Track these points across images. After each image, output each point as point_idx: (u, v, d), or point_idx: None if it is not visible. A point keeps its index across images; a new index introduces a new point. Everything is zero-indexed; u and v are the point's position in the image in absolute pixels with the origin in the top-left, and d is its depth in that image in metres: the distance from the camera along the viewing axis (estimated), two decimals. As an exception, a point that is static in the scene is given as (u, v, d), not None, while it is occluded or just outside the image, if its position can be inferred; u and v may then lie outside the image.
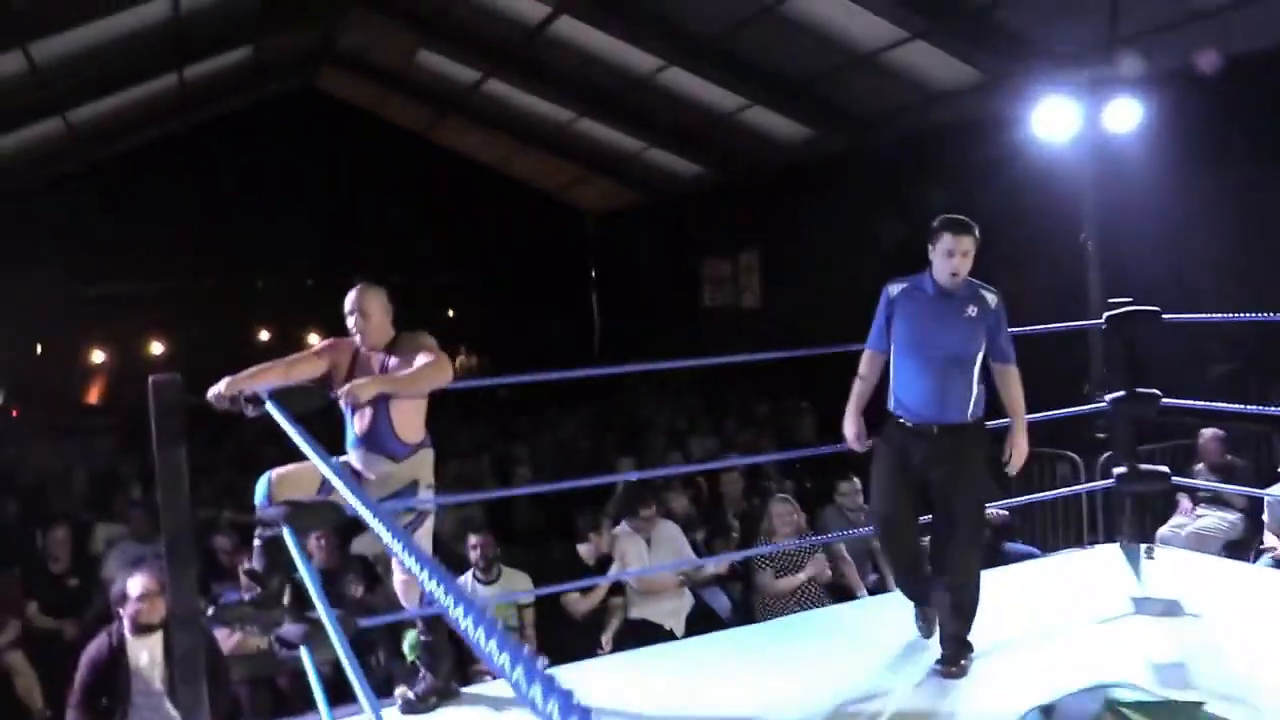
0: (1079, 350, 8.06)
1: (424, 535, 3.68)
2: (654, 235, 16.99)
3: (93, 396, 15.90)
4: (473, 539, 5.31)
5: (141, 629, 4.54)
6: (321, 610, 2.39)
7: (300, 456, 2.77)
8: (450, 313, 18.99)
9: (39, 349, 15.95)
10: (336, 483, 2.18)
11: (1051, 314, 6.08)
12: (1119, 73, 7.80)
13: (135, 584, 4.60)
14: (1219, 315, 4.65)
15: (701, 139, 13.92)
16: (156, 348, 16.24)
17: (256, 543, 3.72)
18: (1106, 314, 4.61)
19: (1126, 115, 7.54)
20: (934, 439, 3.53)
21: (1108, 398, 4.60)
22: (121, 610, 4.65)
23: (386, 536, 1.64)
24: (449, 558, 6.15)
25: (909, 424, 3.57)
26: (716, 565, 5.74)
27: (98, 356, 16.38)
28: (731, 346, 15.18)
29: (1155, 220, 8.48)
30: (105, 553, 6.73)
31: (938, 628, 3.69)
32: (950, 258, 3.53)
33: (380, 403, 3.48)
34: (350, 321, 3.56)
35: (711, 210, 15.37)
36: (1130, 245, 8.30)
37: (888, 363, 3.68)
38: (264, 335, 17.33)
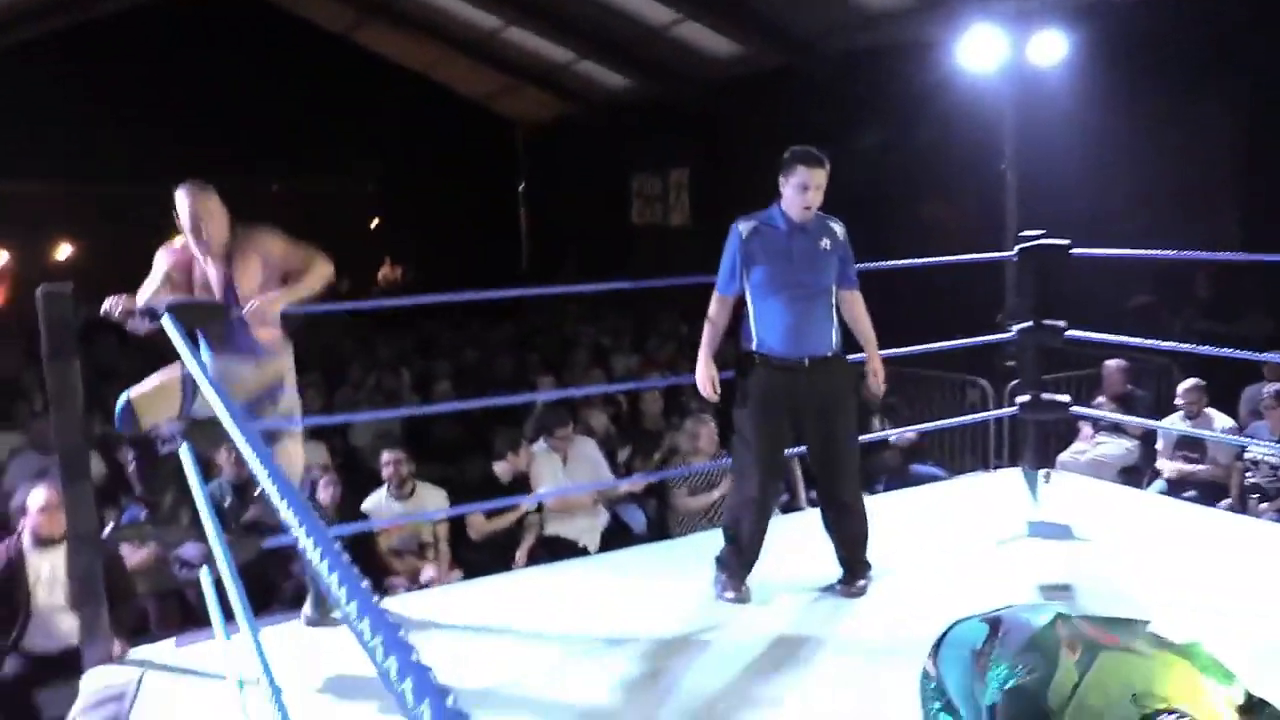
0: (998, 279, 8.24)
1: (294, 441, 3.55)
2: (584, 150, 16.75)
3: (-2, 299, 15.34)
4: (386, 455, 5.28)
5: (42, 541, 4.47)
6: (212, 533, 2.35)
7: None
8: (374, 222, 18.62)
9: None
10: (210, 394, 2.13)
11: (974, 242, 6.18)
12: (1046, 3, 7.83)
13: (36, 496, 4.51)
14: (1127, 251, 4.75)
15: (633, 52, 13.67)
16: (64, 251, 15.66)
17: (132, 464, 3.63)
18: (1017, 246, 4.68)
19: (1051, 46, 7.63)
20: (805, 373, 3.54)
21: (1014, 328, 4.70)
22: (21, 522, 4.57)
23: (252, 459, 1.60)
24: (366, 473, 6.14)
25: (776, 361, 3.55)
26: (631, 484, 5.80)
27: (0, 258, 15.75)
28: (660, 264, 15.18)
29: (1076, 152, 8.61)
30: (6, 463, 6.56)
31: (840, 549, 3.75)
32: (805, 191, 3.50)
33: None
34: (189, 228, 3.31)
35: (642, 126, 15.18)
36: (1050, 177, 8.44)
37: (738, 303, 3.65)
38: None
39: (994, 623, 1.92)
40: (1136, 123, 8.88)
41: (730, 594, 3.65)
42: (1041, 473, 4.85)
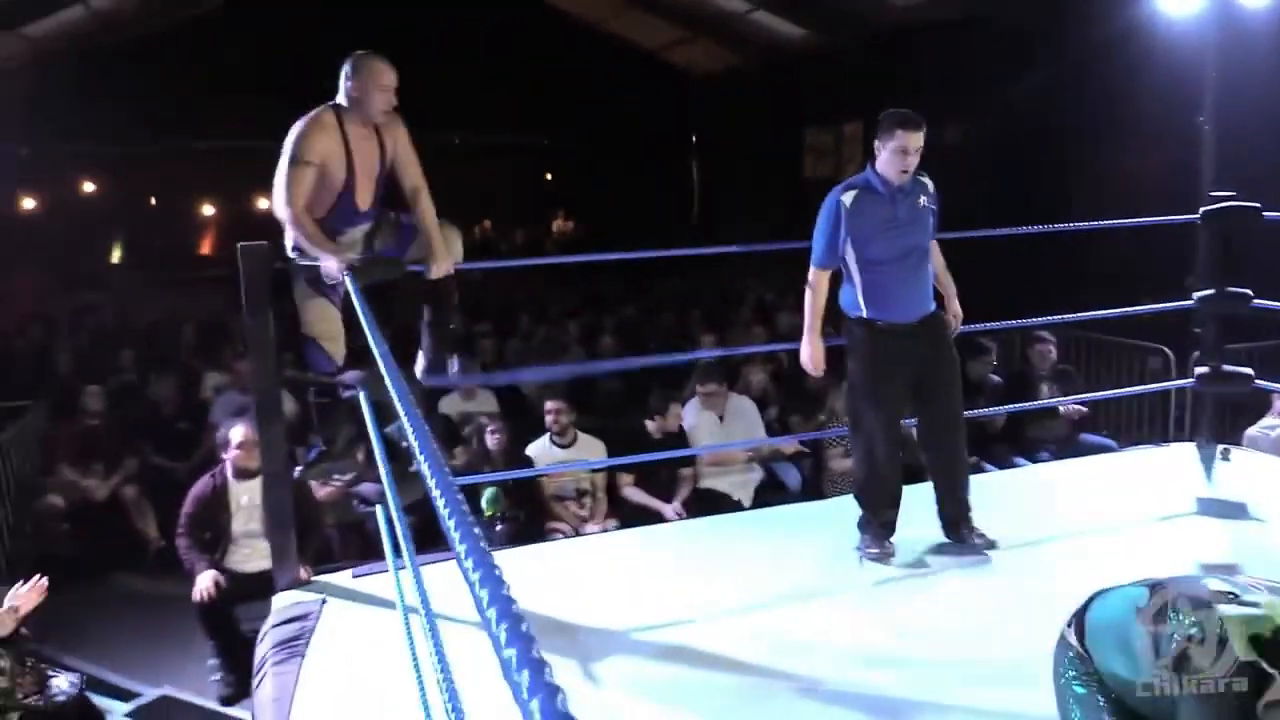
0: (1189, 241, 7.75)
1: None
2: (756, 102, 16.56)
3: (204, 249, 16.55)
4: (549, 404, 5.50)
5: (241, 473, 4.90)
6: (383, 473, 2.56)
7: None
8: (548, 175, 19.02)
9: (152, 202, 16.59)
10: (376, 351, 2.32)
11: (1166, 201, 5.85)
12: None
13: (236, 432, 4.95)
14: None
15: (808, 1, 13.41)
16: (265, 203, 16.71)
17: (314, 404, 3.92)
18: (1203, 209, 4.43)
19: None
20: (915, 334, 3.58)
21: (1195, 295, 4.47)
22: (224, 455, 5.02)
23: (400, 408, 1.77)
24: (532, 419, 6.39)
25: (890, 326, 3.55)
26: (784, 443, 5.85)
27: (208, 209, 16.97)
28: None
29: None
30: (212, 400, 7.17)
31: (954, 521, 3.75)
32: (905, 155, 3.47)
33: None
34: (383, 100, 3.41)
35: (817, 77, 14.88)
36: (1255, 133, 7.84)
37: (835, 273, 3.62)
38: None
39: (1154, 585, 1.94)
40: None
41: (874, 550, 3.68)
42: (1219, 448, 4.64)
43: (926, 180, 3.64)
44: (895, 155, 3.48)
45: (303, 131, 3.40)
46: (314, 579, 3.86)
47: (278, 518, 3.79)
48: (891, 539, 3.70)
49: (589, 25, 17.16)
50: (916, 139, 3.48)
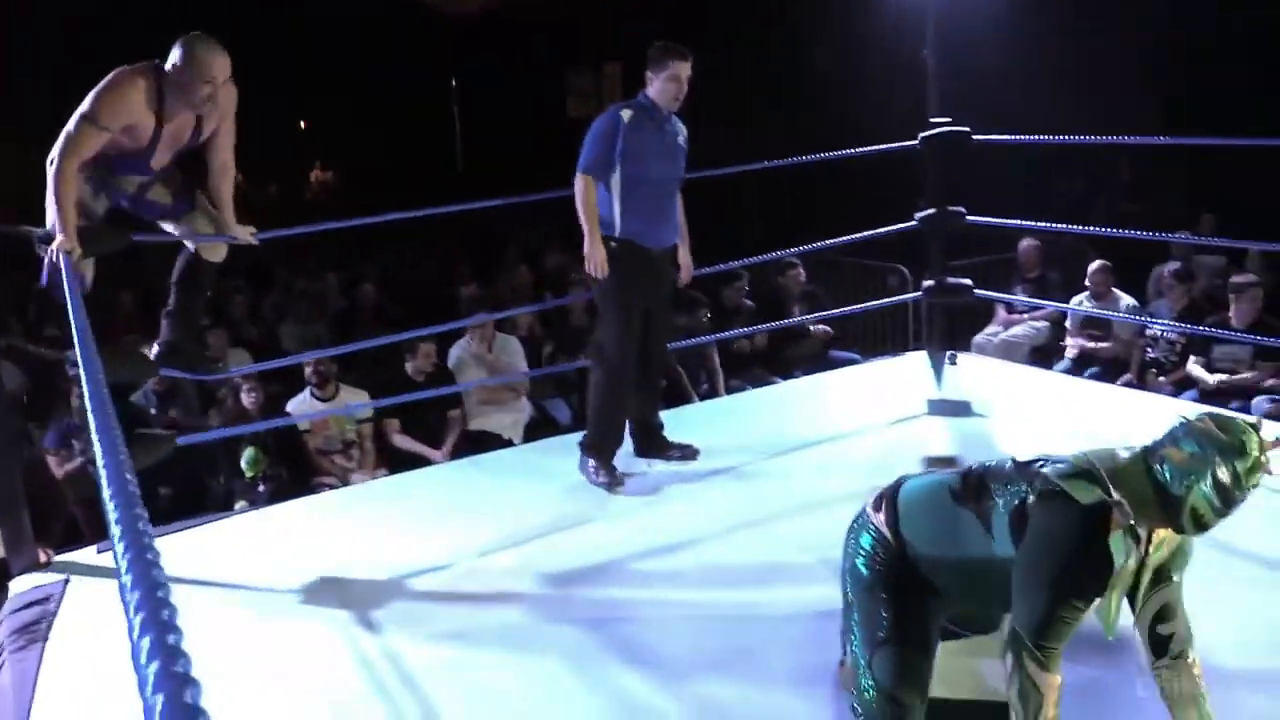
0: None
1: None
2: (516, 44, 16.39)
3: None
4: (307, 355, 5.33)
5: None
6: (94, 431, 2.42)
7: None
8: (302, 124, 18.16)
9: None
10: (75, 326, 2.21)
11: (901, 131, 6.23)
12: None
13: (-46, 412, 4.52)
14: (1025, 137, 4.83)
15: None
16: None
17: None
18: (920, 135, 4.76)
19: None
20: (660, 261, 3.80)
21: (917, 215, 4.82)
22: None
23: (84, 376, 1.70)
24: (294, 377, 6.17)
25: (641, 249, 3.70)
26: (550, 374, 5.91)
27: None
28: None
29: (1002, 39, 8.63)
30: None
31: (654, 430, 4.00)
32: (678, 83, 3.66)
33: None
34: (205, 92, 3.20)
35: (574, 18, 14.86)
36: (975, 65, 8.46)
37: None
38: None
39: (962, 473, 2.13)
40: (1059, 3, 8.92)
41: (605, 478, 3.79)
42: (948, 354, 5.05)
43: (680, 124, 3.82)
44: (669, 83, 3.64)
45: (110, 92, 3.16)
46: (56, 560, 3.61)
47: (7, 497, 3.50)
48: (616, 466, 3.82)
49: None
50: (687, 68, 3.66)
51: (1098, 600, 1.93)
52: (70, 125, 3.16)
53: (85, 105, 3.17)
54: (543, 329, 6.83)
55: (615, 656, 2.72)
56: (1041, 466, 2.02)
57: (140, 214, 3.50)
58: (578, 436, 4.34)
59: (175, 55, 3.20)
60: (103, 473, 1.23)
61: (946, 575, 2.10)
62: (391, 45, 17.00)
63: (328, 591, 3.20)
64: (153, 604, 0.90)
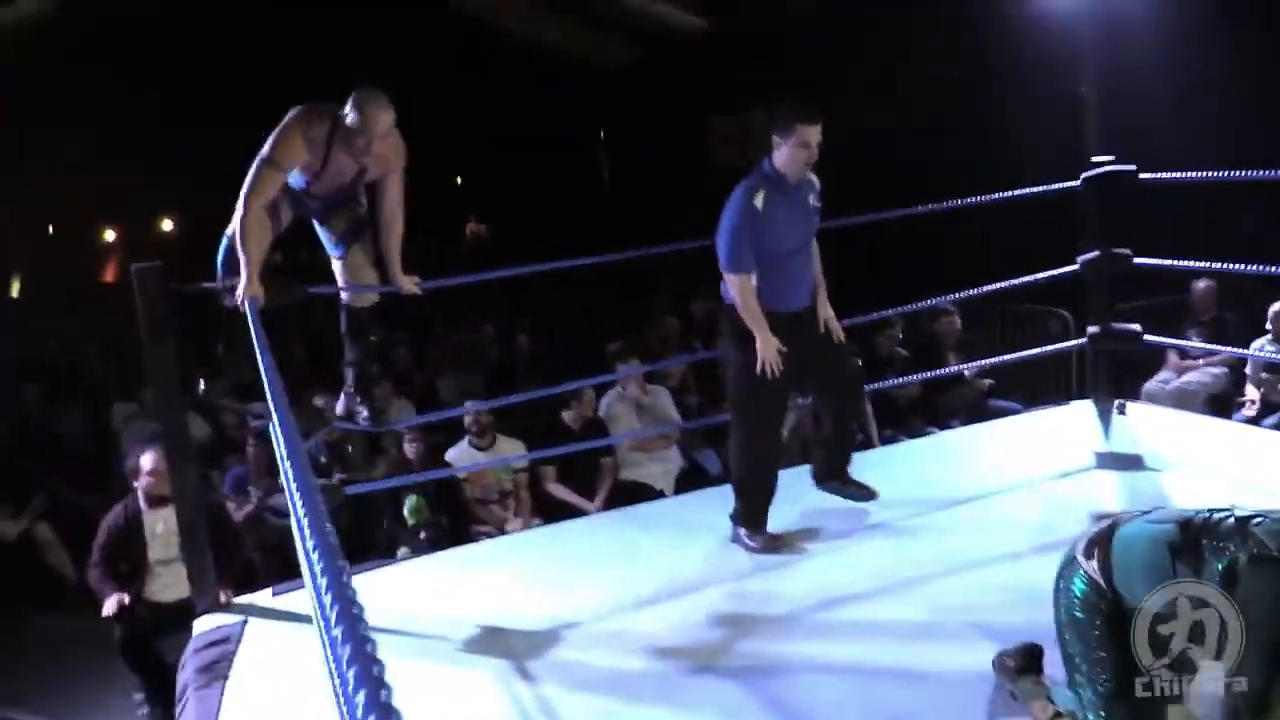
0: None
1: None
2: (662, 92, 16.68)
3: (108, 275, 16.13)
4: (468, 406, 5.50)
5: (155, 501, 4.80)
6: (288, 483, 2.55)
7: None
8: (458, 180, 18.88)
9: (50, 230, 16.11)
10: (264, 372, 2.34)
11: (1055, 170, 6.06)
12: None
13: (147, 459, 4.84)
14: (1196, 174, 4.60)
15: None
16: (167, 224, 16.38)
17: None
18: (1083, 175, 4.61)
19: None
20: (799, 321, 3.64)
21: (1080, 258, 4.64)
22: (136, 483, 4.92)
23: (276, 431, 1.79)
24: (453, 426, 6.38)
25: (775, 315, 3.56)
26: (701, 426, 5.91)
27: (109, 235, 16.55)
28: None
29: (1165, 75, 8.28)
30: (122, 429, 7.01)
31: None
32: (806, 149, 3.46)
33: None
34: (369, 140, 3.42)
35: (720, 66, 15.05)
36: (1136, 101, 8.14)
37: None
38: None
39: (1184, 521, 2.03)
40: (1227, 35, 8.49)
41: (756, 542, 3.70)
42: (1115, 403, 4.83)
43: (815, 180, 3.64)
44: (798, 149, 3.45)
45: (289, 134, 3.42)
46: (235, 602, 3.82)
47: (192, 541, 3.74)
48: (769, 528, 3.73)
49: (490, 24, 17.07)
50: (816, 133, 3.46)
51: None
52: (252, 169, 3.41)
53: (265, 149, 3.42)
54: (693, 378, 6.86)
55: (766, 713, 2.69)
56: (1259, 524, 1.91)
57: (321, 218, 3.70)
58: (727, 488, 4.34)
59: (350, 103, 3.42)
60: (302, 520, 1.31)
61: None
62: (545, 98, 17.55)
63: (485, 639, 3.28)
64: (357, 638, 0.97)
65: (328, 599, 1.05)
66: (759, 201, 3.48)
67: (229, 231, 3.54)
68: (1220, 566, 1.91)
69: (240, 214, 3.41)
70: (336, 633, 0.98)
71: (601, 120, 18.89)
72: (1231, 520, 1.96)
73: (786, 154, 3.47)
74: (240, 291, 3.40)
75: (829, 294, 3.81)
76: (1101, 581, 2.06)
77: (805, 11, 12.68)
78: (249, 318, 3.22)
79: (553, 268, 4.54)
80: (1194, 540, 1.98)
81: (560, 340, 8.11)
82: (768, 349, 3.50)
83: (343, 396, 3.93)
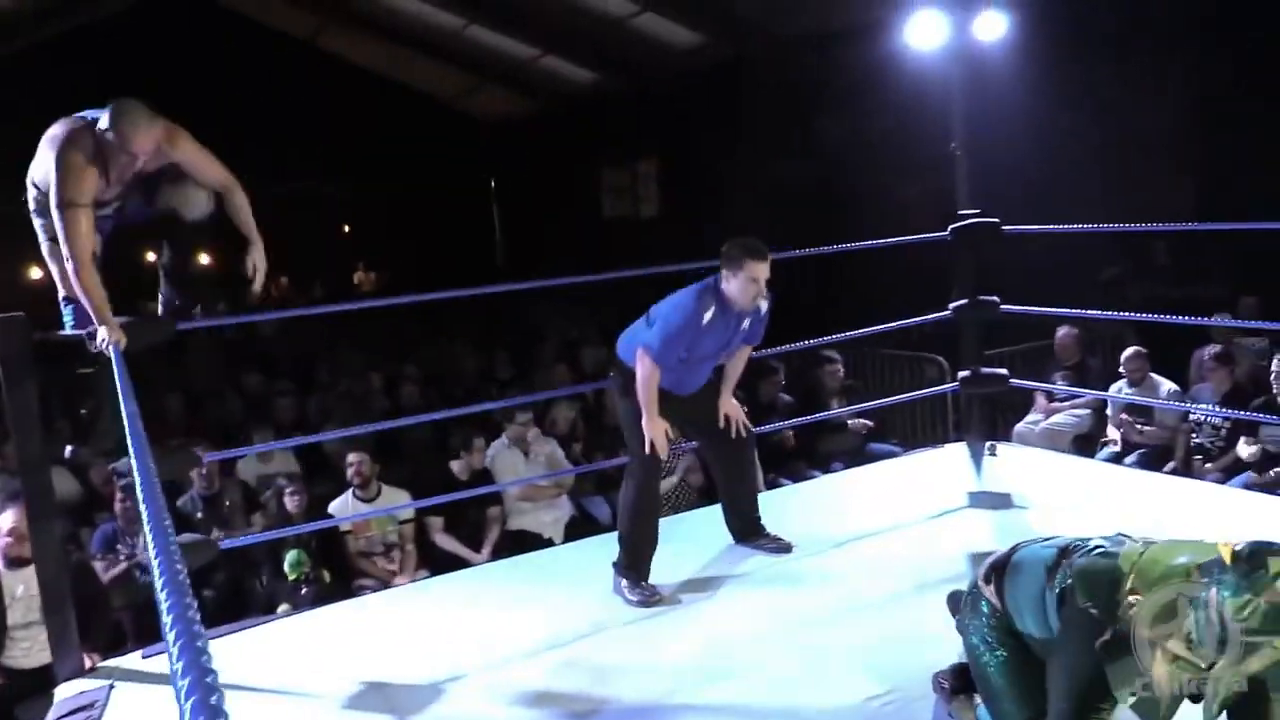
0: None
1: None
2: (552, 145, 16.84)
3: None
4: (351, 457, 5.42)
5: (14, 562, 4.57)
6: (150, 540, 2.47)
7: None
8: (346, 228, 18.66)
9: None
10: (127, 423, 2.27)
11: (928, 224, 6.33)
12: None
13: (6, 519, 4.62)
14: (1055, 226, 4.88)
15: (595, 46, 13.77)
16: (35, 273, 15.70)
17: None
18: (950, 226, 4.82)
19: (993, 25, 7.74)
20: (697, 396, 3.85)
21: (951, 305, 4.84)
22: (-7, 544, 4.67)
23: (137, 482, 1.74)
24: (336, 476, 6.26)
25: (676, 395, 3.73)
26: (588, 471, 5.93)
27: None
28: (632, 256, 15.31)
29: (1029, 128, 8.75)
30: (-19, 486, 6.64)
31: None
32: (755, 284, 3.58)
33: None
34: (143, 154, 3.24)
35: (608, 119, 15.29)
36: (1003, 155, 8.57)
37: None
38: (150, 255, 16.83)
39: (1064, 548, 2.13)
40: (1086, 94, 9.04)
41: (636, 595, 3.69)
42: (987, 445, 5.02)
43: (764, 303, 3.72)
44: (748, 284, 3.56)
45: (67, 170, 3.19)
46: (101, 665, 3.65)
47: (54, 604, 3.56)
48: (652, 578, 3.75)
49: (381, 75, 17.02)
50: (764, 268, 3.56)
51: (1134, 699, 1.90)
52: (58, 219, 3.17)
53: (58, 193, 3.17)
54: (582, 426, 6.88)
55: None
56: (1087, 550, 2.03)
57: (132, 221, 3.49)
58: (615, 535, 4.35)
59: (107, 116, 3.22)
60: (158, 577, 1.27)
61: (1044, 655, 2.10)
62: (433, 150, 17.52)
63: (371, 695, 3.20)
64: (209, 711, 0.94)
65: (179, 668, 1.03)
66: (706, 317, 3.58)
67: (64, 294, 3.35)
68: (1059, 583, 2.01)
69: (72, 268, 3.19)
70: (187, 705, 0.96)
71: (492, 171, 18.95)
72: (1092, 542, 2.08)
73: (736, 286, 3.58)
74: (101, 340, 3.23)
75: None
76: (998, 603, 2.17)
77: (691, 70, 13.00)
78: (114, 365, 3.09)
79: (436, 297, 4.51)
80: (1060, 562, 2.09)
81: (449, 390, 8.03)
82: (654, 430, 3.61)
83: (160, 306, 3.63)
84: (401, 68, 16.67)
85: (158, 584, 1.27)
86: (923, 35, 7.87)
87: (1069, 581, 2.00)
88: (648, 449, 3.64)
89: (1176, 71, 8.92)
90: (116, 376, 2.97)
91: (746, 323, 3.75)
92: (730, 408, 3.90)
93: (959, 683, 2.57)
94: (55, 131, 3.30)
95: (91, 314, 3.26)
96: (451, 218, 18.03)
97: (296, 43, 16.24)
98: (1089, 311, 5.01)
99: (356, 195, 18.08)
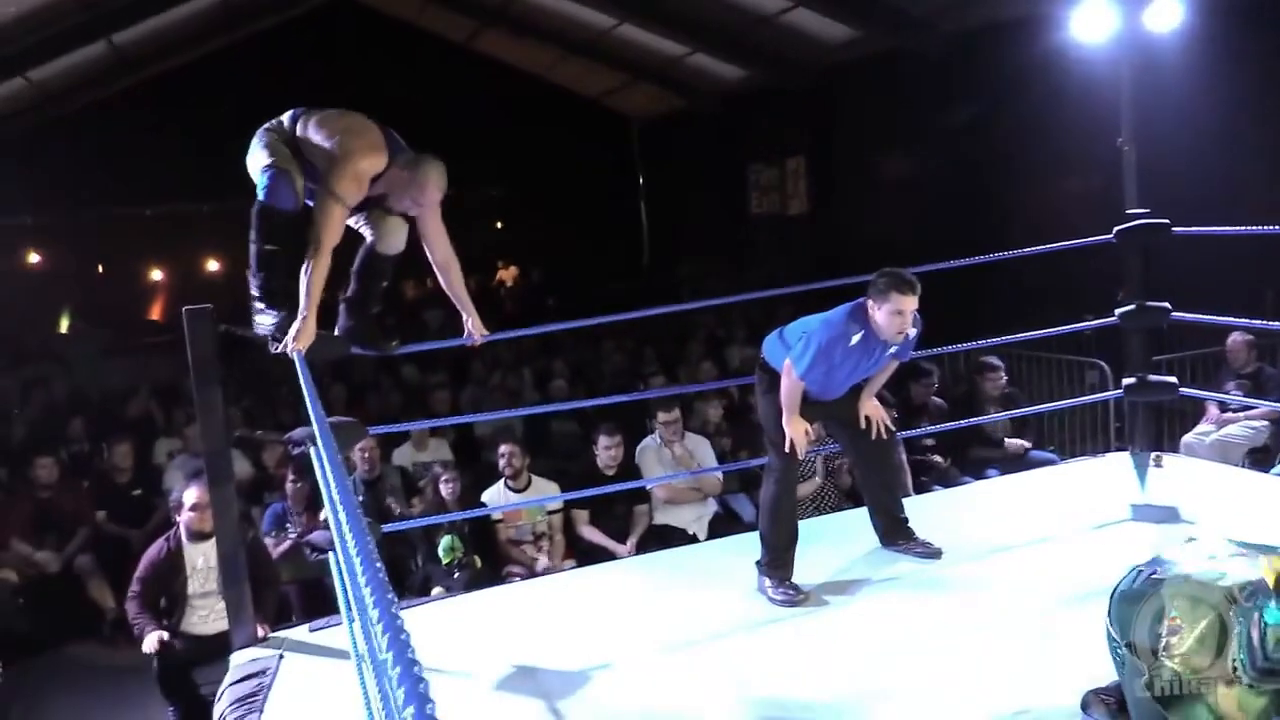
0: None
1: None
2: (700, 142, 16.87)
3: (155, 314, 16.45)
4: (502, 448, 5.57)
5: (196, 536, 4.91)
6: (332, 516, 2.62)
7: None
8: (499, 225, 19.14)
9: (100, 269, 16.50)
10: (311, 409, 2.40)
11: (1090, 223, 6.09)
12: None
13: (190, 495, 4.96)
14: (1230, 229, 4.61)
15: (745, 42, 13.71)
16: (213, 265, 16.72)
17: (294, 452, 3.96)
18: (1116, 228, 4.62)
19: (1167, 14, 7.35)
20: (840, 400, 3.84)
21: (1117, 310, 4.64)
22: (178, 518, 5.03)
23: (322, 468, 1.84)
24: (487, 466, 6.46)
25: (817, 400, 3.74)
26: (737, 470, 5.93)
27: (157, 275, 16.91)
28: (779, 253, 15.22)
29: (1199, 124, 8.28)
30: (166, 465, 7.15)
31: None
32: (900, 317, 3.54)
33: None
34: (431, 198, 3.52)
35: (757, 115, 15.21)
36: (1172, 151, 8.13)
37: None
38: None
39: (1149, 564, 2.16)
40: (1266, 86, 8.48)
41: (780, 594, 3.69)
42: (1152, 455, 4.80)
43: (912, 331, 3.66)
44: (892, 317, 3.55)
45: (355, 171, 3.39)
46: (271, 635, 3.88)
47: (231, 575, 3.81)
48: (795, 578, 3.74)
49: (533, 75, 17.41)
50: (911, 301, 3.54)
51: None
52: (321, 206, 3.38)
53: (332, 181, 3.37)
54: (727, 424, 6.89)
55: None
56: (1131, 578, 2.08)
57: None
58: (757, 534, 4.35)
59: (409, 158, 3.48)
60: (353, 555, 1.36)
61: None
62: (583, 148, 17.81)
63: (517, 680, 3.30)
64: (411, 673, 1.07)
65: (378, 630, 1.11)
66: (854, 339, 3.60)
67: (259, 272, 3.52)
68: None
69: (314, 255, 3.37)
70: (390, 667, 1.04)
71: (641, 168, 19.12)
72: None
73: (882, 318, 3.57)
74: (294, 336, 3.40)
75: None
76: (1110, 628, 2.19)
77: (844, 64, 12.81)
78: (297, 364, 3.29)
79: (596, 323, 4.64)
80: (1141, 583, 2.11)
81: (597, 385, 8.17)
82: (794, 429, 3.64)
83: (337, 330, 3.82)
84: (553, 68, 17.00)
85: (353, 558, 1.35)
86: (1090, 27, 7.60)
87: (1113, 610, 1.95)
88: (787, 448, 3.66)
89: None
90: (299, 367, 3.15)
91: (894, 348, 3.72)
92: (871, 408, 3.87)
93: (1120, 698, 2.50)
94: (363, 124, 3.52)
95: (303, 303, 3.42)
96: (600, 215, 18.28)
97: (452, 46, 16.77)
98: (1267, 322, 4.70)
99: (508, 193, 18.52)
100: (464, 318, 3.88)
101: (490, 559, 5.40)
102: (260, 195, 3.43)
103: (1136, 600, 1.98)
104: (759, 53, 13.85)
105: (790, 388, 3.64)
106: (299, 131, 3.55)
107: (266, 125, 3.60)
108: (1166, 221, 4.51)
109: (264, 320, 3.54)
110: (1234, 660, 1.80)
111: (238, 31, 14.42)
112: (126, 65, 13.23)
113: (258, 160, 3.50)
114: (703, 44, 14.18)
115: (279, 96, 3.64)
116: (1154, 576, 2.01)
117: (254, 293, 3.57)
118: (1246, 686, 1.81)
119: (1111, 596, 2.22)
